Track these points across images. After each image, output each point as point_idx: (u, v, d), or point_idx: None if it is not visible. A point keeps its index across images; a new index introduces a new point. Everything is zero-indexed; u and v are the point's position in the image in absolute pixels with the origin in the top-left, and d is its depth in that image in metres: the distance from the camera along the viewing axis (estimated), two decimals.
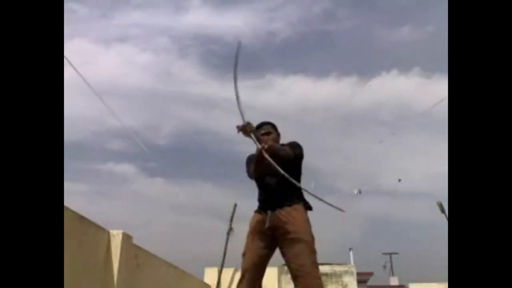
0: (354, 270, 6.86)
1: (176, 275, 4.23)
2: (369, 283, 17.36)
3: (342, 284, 6.66)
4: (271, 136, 2.80)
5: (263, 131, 2.83)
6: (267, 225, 2.54)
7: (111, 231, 2.90)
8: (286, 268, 2.92)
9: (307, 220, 2.58)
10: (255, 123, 2.91)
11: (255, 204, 2.77)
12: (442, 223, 6.67)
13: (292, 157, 2.62)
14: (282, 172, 2.40)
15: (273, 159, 2.43)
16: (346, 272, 6.77)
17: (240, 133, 2.46)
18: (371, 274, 17.92)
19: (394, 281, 20.35)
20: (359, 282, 7.38)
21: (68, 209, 2.38)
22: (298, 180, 2.70)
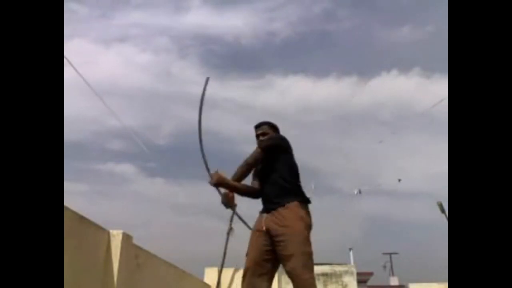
0: (354, 270, 6.85)
1: (176, 275, 4.23)
2: (369, 283, 17.39)
3: (342, 284, 6.65)
4: (267, 136, 2.81)
5: (260, 131, 2.84)
6: (263, 227, 2.56)
7: (111, 231, 2.90)
8: None
9: (301, 218, 2.52)
10: (255, 123, 2.93)
11: (255, 204, 2.78)
12: (442, 223, 6.66)
13: (255, 159, 2.66)
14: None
15: (240, 179, 2.65)
16: (346, 272, 6.76)
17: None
18: (371, 274, 17.95)
19: (394, 281, 20.38)
20: (359, 282, 7.37)
21: (68, 209, 2.37)
22: (291, 172, 2.69)
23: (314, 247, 2.52)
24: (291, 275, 2.42)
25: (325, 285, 6.59)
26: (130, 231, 3.06)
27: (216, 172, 2.64)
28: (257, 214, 2.73)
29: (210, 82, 4.01)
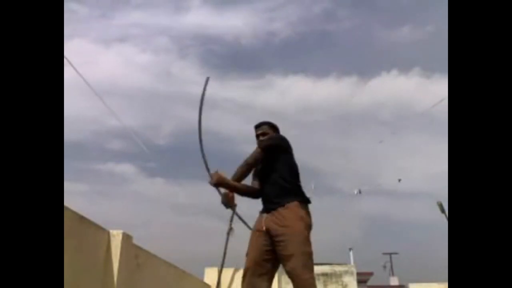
0: (354, 270, 6.85)
1: (176, 275, 4.22)
2: (369, 283, 17.39)
3: (342, 284, 6.65)
4: (267, 136, 2.81)
5: (260, 131, 2.85)
6: (263, 227, 2.56)
7: (111, 231, 2.90)
8: None
9: (301, 218, 2.51)
10: (255, 123, 2.93)
11: (255, 204, 2.78)
12: (442, 223, 6.66)
13: (255, 159, 2.67)
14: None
15: (240, 179, 2.66)
16: (346, 272, 6.76)
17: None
18: (371, 274, 17.95)
19: (394, 281, 20.38)
20: (359, 282, 7.38)
21: (68, 209, 2.37)
22: (291, 172, 2.69)
23: (314, 247, 2.52)
24: (291, 275, 2.42)
25: (325, 285, 6.59)
26: (130, 231, 3.06)
27: (216, 172, 2.64)
28: (257, 214, 2.73)
29: (210, 82, 4.01)
